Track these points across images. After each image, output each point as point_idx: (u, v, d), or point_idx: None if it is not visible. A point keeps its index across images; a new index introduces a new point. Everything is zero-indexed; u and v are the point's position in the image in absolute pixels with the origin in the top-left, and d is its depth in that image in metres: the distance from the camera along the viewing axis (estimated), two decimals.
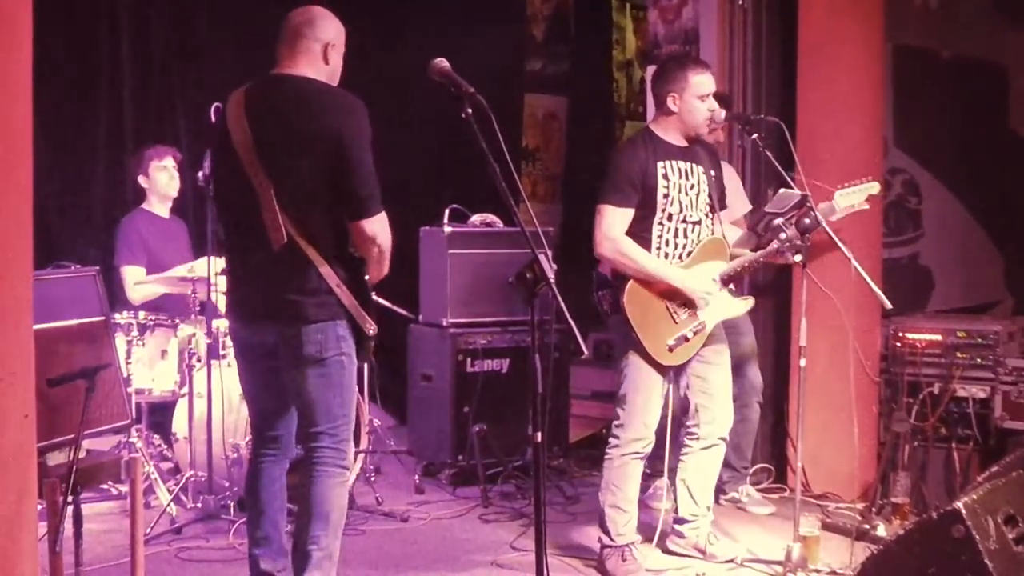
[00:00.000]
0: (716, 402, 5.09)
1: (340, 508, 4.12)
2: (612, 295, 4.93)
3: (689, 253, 4.93)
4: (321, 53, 4.14)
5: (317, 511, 4.07)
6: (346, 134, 3.99)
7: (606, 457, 5.03)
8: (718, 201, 5.04)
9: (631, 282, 4.84)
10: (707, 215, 4.98)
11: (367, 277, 4.11)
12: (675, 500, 5.26)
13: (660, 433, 5.03)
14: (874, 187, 5.14)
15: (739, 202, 5.88)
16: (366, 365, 6.25)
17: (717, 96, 4.94)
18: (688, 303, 4.90)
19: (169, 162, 6.48)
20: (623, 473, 4.96)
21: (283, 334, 4.06)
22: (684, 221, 4.91)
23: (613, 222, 4.84)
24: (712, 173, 5.00)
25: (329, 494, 4.08)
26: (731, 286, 5.05)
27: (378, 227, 4.04)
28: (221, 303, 5.75)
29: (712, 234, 5.00)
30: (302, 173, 4.01)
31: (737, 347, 5.80)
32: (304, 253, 3.99)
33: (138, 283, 6.23)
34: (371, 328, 4.10)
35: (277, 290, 4.05)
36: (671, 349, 4.87)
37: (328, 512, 4.07)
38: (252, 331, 4.20)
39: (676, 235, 4.91)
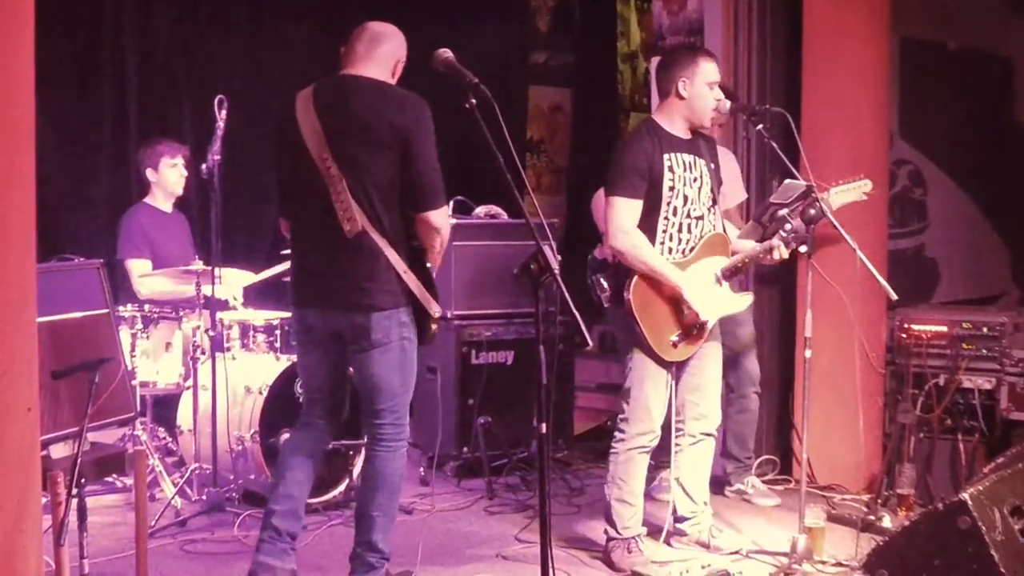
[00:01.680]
0: (705, 398, 5.07)
1: (400, 475, 4.51)
2: (613, 283, 4.90)
3: (692, 248, 4.91)
4: (392, 66, 4.44)
5: (381, 482, 4.44)
6: (413, 131, 4.27)
7: (611, 451, 5.02)
8: (717, 194, 5.02)
9: (637, 276, 4.80)
10: (709, 209, 4.96)
11: (429, 265, 4.40)
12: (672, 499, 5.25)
13: (666, 425, 5.02)
14: (867, 185, 5.15)
15: (736, 189, 5.87)
16: None
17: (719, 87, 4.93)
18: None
19: (180, 160, 6.50)
20: (629, 467, 4.95)
21: (352, 321, 4.33)
22: (688, 216, 4.87)
23: (625, 214, 4.79)
24: (712, 166, 4.98)
25: (393, 465, 4.45)
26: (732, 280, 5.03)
27: (442, 219, 4.36)
28: (219, 293, 5.82)
29: (714, 229, 4.97)
30: (373, 166, 4.26)
31: (735, 337, 5.80)
32: (375, 242, 4.25)
33: (143, 276, 6.24)
34: (436, 310, 4.40)
35: (349, 278, 4.32)
36: (675, 345, 4.86)
37: (391, 481, 4.46)
38: (322, 317, 4.43)
39: (680, 230, 4.87)
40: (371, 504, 4.44)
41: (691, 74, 4.84)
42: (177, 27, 7.56)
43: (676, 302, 4.84)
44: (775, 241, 4.84)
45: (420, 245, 4.39)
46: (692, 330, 4.86)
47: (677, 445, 5.10)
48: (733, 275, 4.99)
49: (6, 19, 3.23)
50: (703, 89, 4.84)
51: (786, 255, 4.87)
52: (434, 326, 4.45)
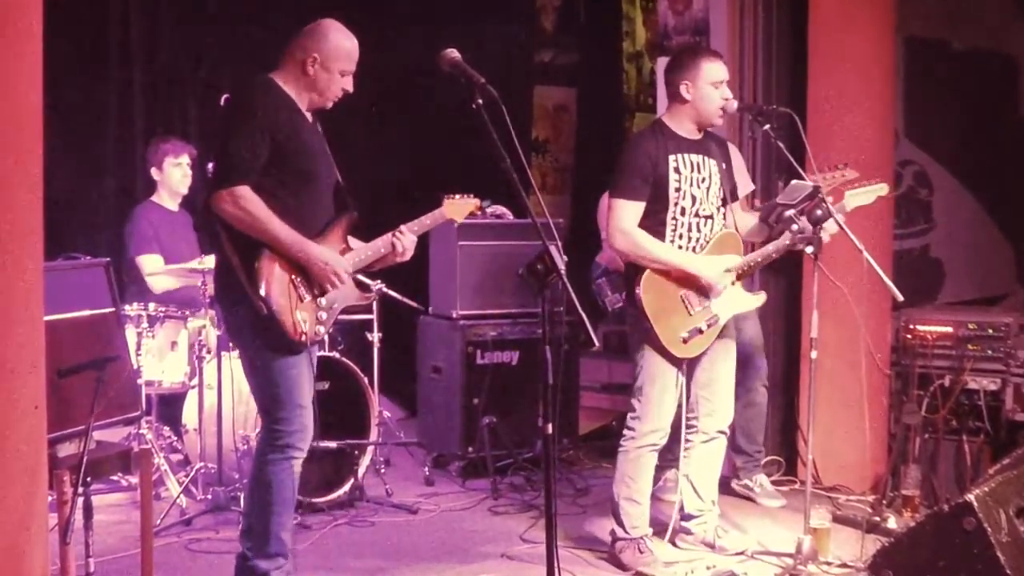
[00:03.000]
0: (717, 395, 5.08)
1: (264, 485, 4.19)
2: (612, 284, 4.90)
3: (703, 247, 4.91)
4: (302, 64, 4.22)
5: (248, 487, 4.33)
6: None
7: (621, 449, 5.02)
8: (729, 193, 5.03)
9: (647, 272, 4.80)
10: (719, 208, 4.96)
11: (262, 254, 4.05)
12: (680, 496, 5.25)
13: (673, 425, 5.02)
14: (883, 188, 5.12)
15: (743, 181, 5.86)
16: (375, 354, 6.30)
17: None
18: (703, 293, 4.88)
19: (184, 159, 6.48)
20: (638, 465, 4.95)
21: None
22: (697, 215, 4.89)
23: (625, 216, 4.82)
24: (723, 165, 4.99)
25: (258, 472, 4.22)
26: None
27: (218, 202, 4.03)
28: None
29: (725, 227, 4.98)
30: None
31: (742, 333, 5.78)
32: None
33: (152, 273, 6.24)
34: (264, 309, 4.04)
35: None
36: (685, 341, 4.85)
37: (252, 489, 4.26)
38: None
39: (690, 229, 4.88)
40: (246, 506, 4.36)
41: (693, 77, 4.85)
42: (182, 27, 7.57)
43: (687, 298, 4.84)
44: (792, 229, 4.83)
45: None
46: (703, 326, 4.86)
47: (688, 441, 5.11)
48: (745, 274, 4.99)
49: (14, 20, 3.24)
50: (707, 90, 4.85)
51: (811, 249, 4.85)
52: (280, 331, 4.06)
